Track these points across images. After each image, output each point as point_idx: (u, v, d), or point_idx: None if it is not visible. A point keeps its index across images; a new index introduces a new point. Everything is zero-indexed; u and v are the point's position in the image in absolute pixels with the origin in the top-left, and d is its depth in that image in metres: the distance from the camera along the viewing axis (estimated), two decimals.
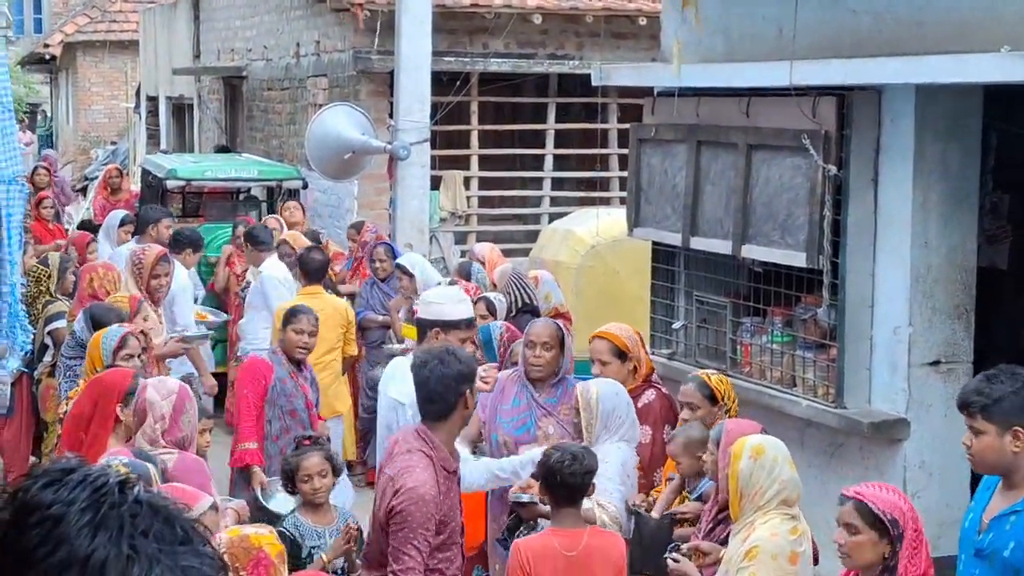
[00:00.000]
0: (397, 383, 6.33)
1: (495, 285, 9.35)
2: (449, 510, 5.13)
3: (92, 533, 1.59)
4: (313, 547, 5.76)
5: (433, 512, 4.98)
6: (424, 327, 6.35)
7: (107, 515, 1.61)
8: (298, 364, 7.61)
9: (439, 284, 9.25)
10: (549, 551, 5.22)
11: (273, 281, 10.61)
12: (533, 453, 5.89)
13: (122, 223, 12.04)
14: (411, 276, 9.93)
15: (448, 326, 6.29)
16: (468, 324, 6.51)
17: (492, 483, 6.12)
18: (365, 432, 10.77)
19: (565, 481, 5.24)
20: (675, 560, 5.12)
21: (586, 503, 5.73)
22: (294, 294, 10.00)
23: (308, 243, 11.36)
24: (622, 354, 6.58)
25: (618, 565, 5.31)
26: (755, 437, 5.08)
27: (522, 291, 8.77)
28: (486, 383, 6.45)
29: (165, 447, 5.48)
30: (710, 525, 5.43)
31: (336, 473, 6.03)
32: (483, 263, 9.88)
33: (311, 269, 9.95)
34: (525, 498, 5.88)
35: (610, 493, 5.73)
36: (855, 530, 4.34)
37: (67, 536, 1.59)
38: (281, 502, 6.65)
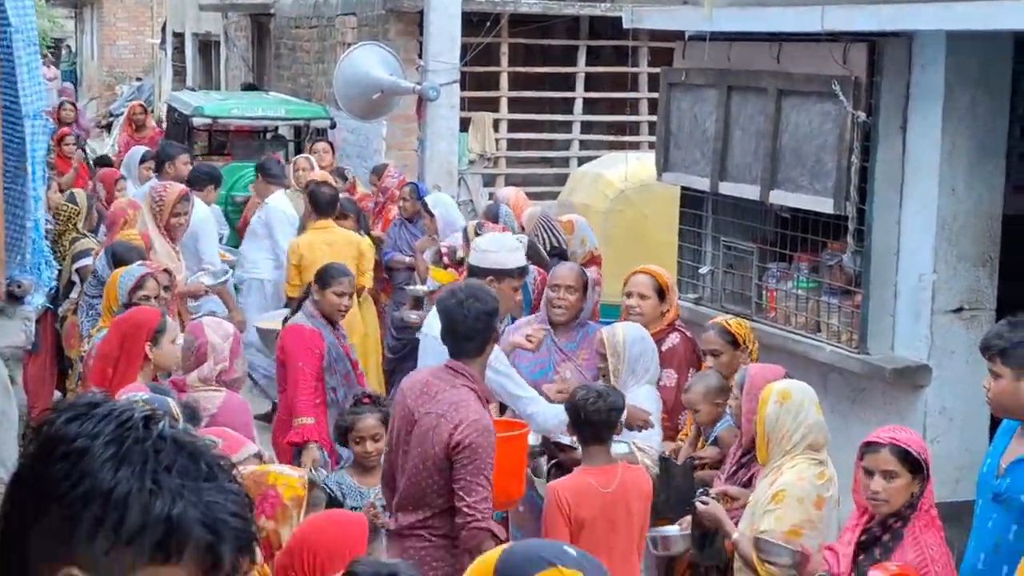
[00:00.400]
0: None
1: (523, 228, 9.38)
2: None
3: (115, 467, 1.60)
4: (354, 507, 5.52)
5: (493, 442, 5.01)
6: (478, 275, 6.26)
7: (131, 449, 1.62)
8: (334, 325, 7.41)
9: (465, 228, 9.30)
10: (586, 489, 5.30)
11: (279, 213, 10.64)
12: None
13: (143, 160, 12.08)
14: (432, 216, 9.99)
15: (502, 275, 6.26)
16: (521, 272, 6.51)
17: (563, 426, 5.98)
18: (390, 372, 10.86)
19: (589, 418, 5.32)
20: (704, 503, 5.21)
21: (624, 448, 5.82)
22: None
23: (338, 181, 11.41)
24: (661, 292, 6.64)
25: (648, 496, 5.42)
26: (782, 382, 5.14)
27: (551, 234, 8.80)
28: (531, 342, 6.49)
29: (215, 387, 5.58)
30: (733, 468, 5.51)
31: None
32: (508, 206, 9.91)
33: (322, 203, 9.99)
34: (566, 440, 5.94)
35: (650, 437, 5.81)
36: (893, 475, 4.39)
37: (90, 470, 1.60)
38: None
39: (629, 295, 6.65)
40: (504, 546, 2.10)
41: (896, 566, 4.29)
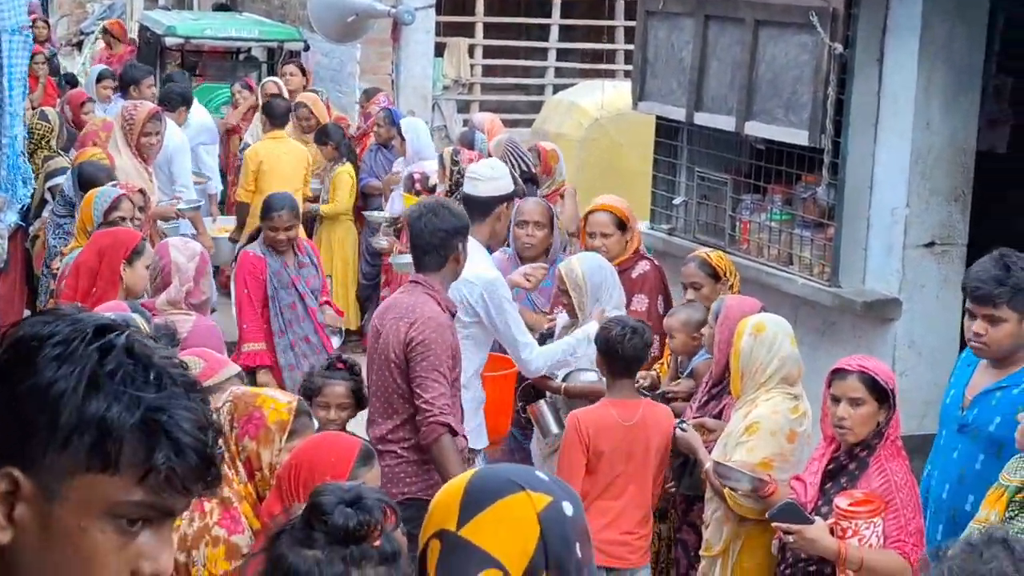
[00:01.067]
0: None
1: (491, 155, 9.37)
2: (455, 351, 5.27)
3: (57, 366, 1.59)
4: None
5: (450, 341, 5.14)
6: (488, 206, 6.23)
7: (75, 350, 1.61)
8: (290, 251, 7.43)
9: (441, 154, 9.26)
10: (608, 421, 5.33)
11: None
12: (589, 328, 5.93)
13: (99, 79, 11.94)
14: (403, 139, 9.96)
15: (510, 198, 6.32)
16: (511, 198, 6.53)
17: (559, 366, 6.04)
18: (365, 299, 10.88)
19: (625, 354, 5.34)
20: (682, 430, 5.25)
21: (593, 376, 5.85)
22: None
23: (325, 108, 11.33)
24: (623, 225, 6.64)
25: (668, 434, 5.41)
26: (757, 315, 5.17)
27: (519, 160, 8.78)
28: (529, 280, 6.49)
29: (185, 311, 5.56)
30: (704, 398, 5.55)
31: (360, 406, 5.53)
32: (483, 132, 9.88)
33: (276, 114, 10.38)
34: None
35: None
36: (860, 403, 4.45)
37: (36, 367, 1.60)
38: None
39: (592, 235, 6.64)
40: (475, 469, 2.11)
41: (862, 494, 4.35)
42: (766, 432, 4.88)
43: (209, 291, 5.79)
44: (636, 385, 5.87)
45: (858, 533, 4.29)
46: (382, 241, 9.94)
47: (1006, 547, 2.53)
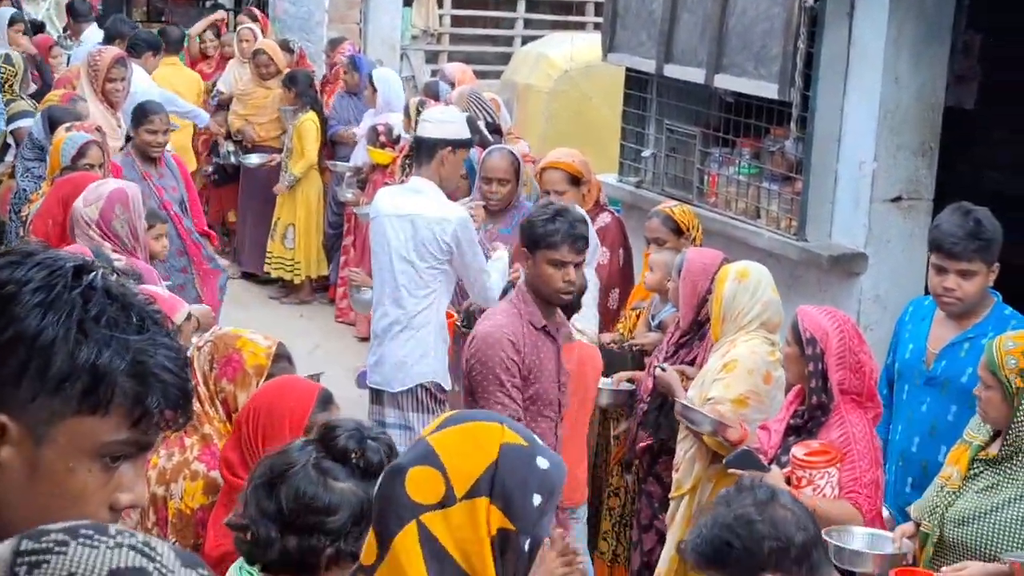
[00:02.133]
0: None
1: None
2: (536, 367, 4.84)
3: (42, 313, 1.59)
4: None
5: (512, 356, 4.73)
6: (431, 147, 6.20)
7: (59, 296, 1.60)
8: (154, 162, 7.54)
9: (407, 104, 9.22)
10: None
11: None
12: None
13: (11, 22, 11.80)
14: (375, 89, 9.92)
15: (457, 144, 6.24)
16: (469, 145, 6.57)
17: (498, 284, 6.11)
18: (330, 249, 10.86)
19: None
20: (662, 369, 5.30)
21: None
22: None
23: (285, 54, 11.27)
24: (576, 180, 6.66)
25: (600, 371, 5.52)
26: (740, 262, 5.30)
27: (482, 111, 8.76)
28: (475, 220, 6.51)
29: (117, 255, 5.52)
30: (670, 350, 5.58)
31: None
32: (453, 84, 9.84)
33: (171, 40, 10.98)
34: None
35: (588, 319, 5.87)
36: (788, 344, 4.57)
37: (17, 315, 1.59)
38: None
39: (547, 193, 6.67)
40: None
41: (819, 444, 4.40)
42: (743, 370, 4.93)
43: (124, 233, 5.72)
44: (609, 344, 5.92)
45: (813, 483, 4.34)
46: (347, 192, 9.92)
47: (752, 494, 2.90)
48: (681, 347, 5.53)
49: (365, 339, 9.69)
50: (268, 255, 11.01)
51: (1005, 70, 8.50)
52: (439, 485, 1.94)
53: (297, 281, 10.99)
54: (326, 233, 10.83)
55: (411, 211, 6.07)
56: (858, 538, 4.25)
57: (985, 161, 8.93)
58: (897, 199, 6.86)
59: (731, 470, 4.55)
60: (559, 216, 4.82)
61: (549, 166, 6.73)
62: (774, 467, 4.45)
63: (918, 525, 4.30)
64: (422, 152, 6.27)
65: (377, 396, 6.29)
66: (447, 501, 1.94)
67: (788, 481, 4.37)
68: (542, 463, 2.02)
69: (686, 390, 5.27)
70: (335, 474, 2.73)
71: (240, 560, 3.18)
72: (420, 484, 1.95)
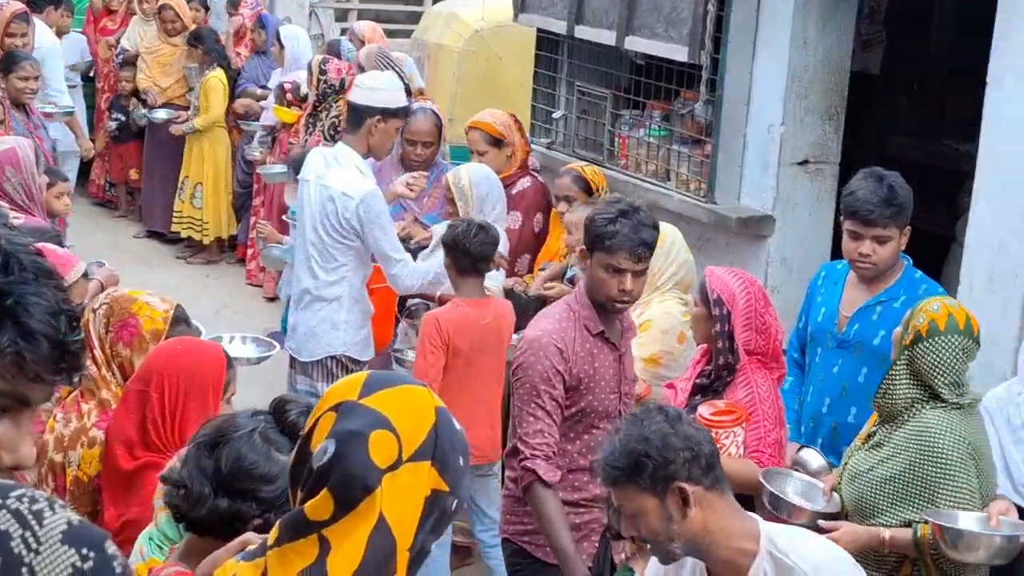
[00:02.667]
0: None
1: (361, 67, 9.27)
2: (590, 377, 4.36)
3: None
4: None
5: (557, 365, 4.26)
6: (363, 113, 6.05)
7: None
8: (25, 109, 7.51)
9: (309, 63, 9.14)
10: (465, 320, 5.40)
11: None
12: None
13: None
14: (283, 47, 9.82)
15: (389, 114, 6.10)
16: (405, 113, 6.39)
17: (435, 283, 6.03)
18: (239, 208, 10.77)
19: (472, 251, 5.41)
20: None
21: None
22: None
23: (192, 11, 11.11)
24: (498, 141, 6.64)
25: (512, 326, 5.54)
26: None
27: (391, 69, 8.71)
28: (412, 190, 6.46)
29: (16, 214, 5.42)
30: None
31: None
32: (363, 42, 9.77)
33: None
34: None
35: (494, 277, 5.88)
36: (695, 304, 4.63)
37: None
38: None
39: (472, 153, 6.68)
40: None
41: (724, 404, 4.46)
42: (658, 330, 4.98)
43: (13, 191, 5.62)
44: (519, 288, 5.93)
45: (719, 441, 4.38)
46: (255, 151, 9.83)
47: (662, 412, 3.09)
48: None
49: (273, 299, 9.64)
50: (177, 214, 10.89)
51: (909, 36, 8.63)
52: (394, 448, 1.94)
53: (206, 241, 10.88)
54: (235, 192, 10.73)
55: (326, 180, 5.97)
56: (795, 485, 4.37)
57: (889, 126, 9.08)
58: (804, 162, 6.94)
59: None
60: (623, 217, 4.27)
61: (471, 126, 6.72)
62: None
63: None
64: (350, 117, 6.16)
65: (292, 361, 6.26)
66: (396, 464, 1.94)
67: None
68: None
69: None
70: (279, 446, 2.72)
71: (150, 528, 3.16)
72: (381, 448, 1.94)
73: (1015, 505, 4.27)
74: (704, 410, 4.45)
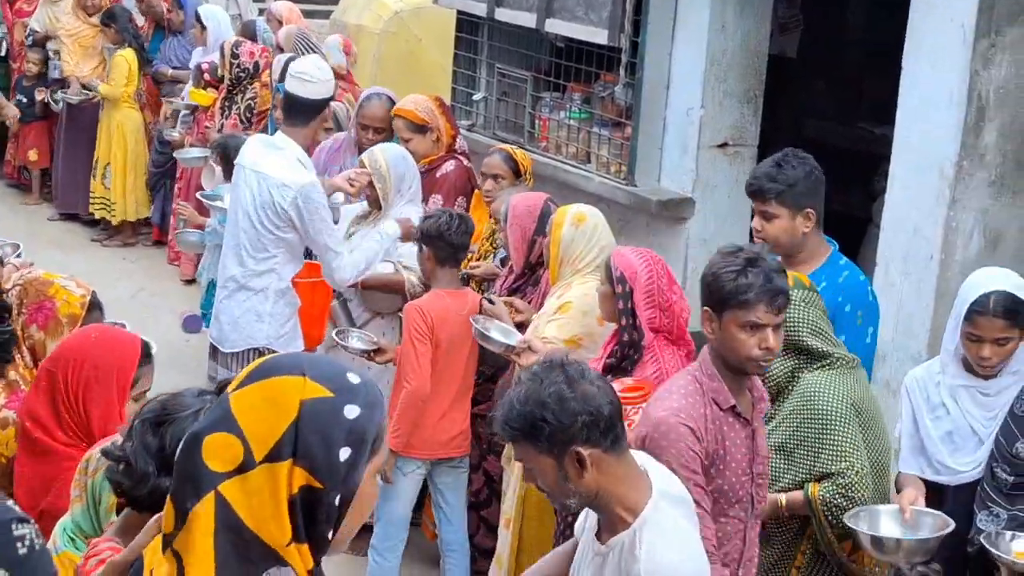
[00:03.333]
0: None
1: (280, 47, 9.20)
2: (720, 459, 3.76)
3: None
4: None
5: (693, 446, 3.70)
6: (307, 107, 5.98)
7: None
8: None
9: (222, 45, 9.05)
10: (447, 311, 5.38)
11: None
12: (388, 228, 5.96)
13: None
14: (204, 27, 9.70)
15: (326, 104, 6.13)
16: (330, 100, 6.34)
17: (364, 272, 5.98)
18: (153, 188, 10.66)
19: (454, 242, 5.41)
20: (490, 302, 5.32)
21: (389, 267, 5.89)
22: None
23: None
24: (421, 127, 6.62)
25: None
26: (577, 206, 5.33)
27: (310, 52, 8.66)
28: (352, 185, 6.41)
29: None
30: (504, 294, 5.61)
31: None
32: (280, 23, 9.69)
33: None
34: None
35: (411, 255, 5.84)
36: (601, 282, 4.68)
37: None
38: None
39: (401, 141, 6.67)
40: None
41: (632, 380, 4.50)
42: (578, 312, 4.99)
43: None
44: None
45: (629, 418, 4.43)
46: (173, 132, 9.73)
47: (563, 370, 3.03)
48: (514, 292, 5.57)
49: (190, 281, 9.54)
50: (91, 195, 10.75)
51: (826, 19, 8.72)
52: (237, 451, 1.87)
53: (115, 222, 10.74)
54: (149, 172, 10.62)
55: (262, 168, 5.87)
56: None
57: (807, 108, 9.17)
58: (723, 145, 7.00)
59: None
60: (751, 266, 3.73)
61: (394, 113, 6.68)
62: None
63: None
64: (300, 111, 6.01)
65: (213, 350, 6.18)
66: (246, 466, 1.87)
67: None
68: (351, 411, 1.93)
69: (516, 322, 5.30)
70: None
71: (65, 519, 3.14)
72: (217, 452, 1.87)
73: (930, 481, 4.36)
74: (613, 387, 4.48)
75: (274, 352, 5.77)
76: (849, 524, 4.05)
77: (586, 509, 3.27)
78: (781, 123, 7.91)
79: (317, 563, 1.95)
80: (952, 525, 4.08)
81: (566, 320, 5.04)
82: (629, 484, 3.13)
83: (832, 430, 4.10)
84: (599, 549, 3.17)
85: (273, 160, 5.87)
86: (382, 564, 5.57)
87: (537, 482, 3.15)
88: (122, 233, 10.83)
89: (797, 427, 4.14)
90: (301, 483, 1.88)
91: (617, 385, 4.44)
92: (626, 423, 4.36)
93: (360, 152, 6.67)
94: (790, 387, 4.20)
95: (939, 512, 4.17)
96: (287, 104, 6.09)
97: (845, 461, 4.09)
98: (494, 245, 6.15)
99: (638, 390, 4.46)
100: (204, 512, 1.86)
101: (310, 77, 6.06)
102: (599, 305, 4.73)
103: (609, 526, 3.15)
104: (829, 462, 4.10)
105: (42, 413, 3.57)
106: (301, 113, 6.00)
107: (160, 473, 2.71)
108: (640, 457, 3.27)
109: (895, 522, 4.12)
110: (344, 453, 1.90)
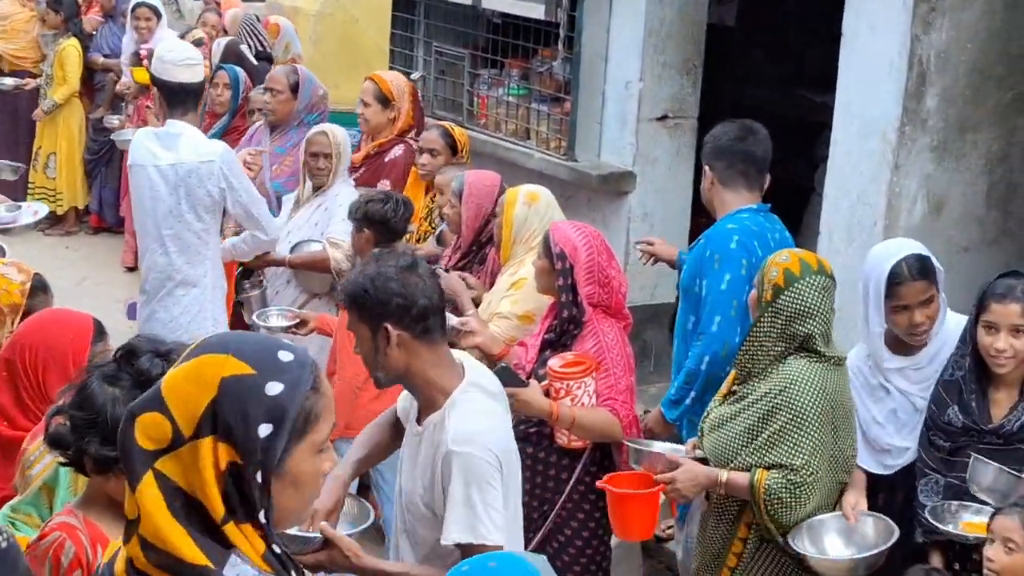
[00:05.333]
0: None
1: (225, 30, 9.10)
2: None
3: None
4: None
5: None
6: (175, 91, 5.77)
7: None
8: None
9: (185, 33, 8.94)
10: None
11: None
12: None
13: None
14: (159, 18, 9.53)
15: (200, 93, 6.00)
16: (202, 88, 6.18)
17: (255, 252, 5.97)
18: (90, 174, 10.55)
19: (397, 226, 5.39)
20: (445, 271, 5.28)
21: (319, 246, 5.88)
22: None
23: None
24: (386, 100, 6.59)
25: None
26: (527, 186, 5.34)
27: (255, 38, 8.59)
28: (251, 168, 6.34)
29: None
30: (445, 269, 5.56)
31: None
32: (219, 3, 9.59)
33: None
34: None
35: (344, 232, 5.79)
36: (539, 257, 4.65)
37: None
38: None
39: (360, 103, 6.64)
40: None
41: (573, 355, 4.47)
42: (531, 288, 4.95)
43: None
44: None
45: (571, 393, 4.42)
46: (114, 119, 9.63)
47: (402, 259, 3.45)
48: (460, 270, 5.52)
49: (132, 269, 9.43)
50: (30, 185, 10.58)
51: None
52: (167, 429, 1.91)
53: (60, 212, 10.60)
54: (85, 160, 10.49)
55: (173, 160, 5.68)
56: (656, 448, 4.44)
57: (746, 77, 9.12)
58: (663, 118, 6.95)
59: None
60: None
61: (370, 77, 6.71)
62: (532, 381, 4.49)
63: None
64: (173, 98, 5.80)
65: None
66: (176, 444, 1.91)
67: (547, 393, 4.42)
68: (273, 388, 1.94)
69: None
70: (117, 379, 2.80)
71: (6, 507, 3.16)
72: (149, 430, 1.92)
73: (866, 469, 4.31)
74: (554, 363, 4.46)
75: None
76: (795, 546, 4.01)
77: (408, 395, 3.58)
78: (721, 94, 7.86)
79: (268, 546, 1.97)
80: (896, 532, 4.03)
81: (520, 296, 5.03)
82: (440, 371, 3.42)
83: (800, 425, 3.98)
84: (416, 430, 3.48)
85: (178, 147, 5.69)
86: None
87: (357, 349, 3.48)
88: (64, 222, 10.71)
89: (767, 412, 4.03)
90: (227, 459, 1.91)
91: (558, 360, 4.44)
92: (569, 398, 4.36)
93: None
94: (769, 370, 4.09)
95: (883, 516, 4.12)
96: (175, 92, 5.79)
97: (803, 459, 3.98)
98: (432, 225, 6.10)
99: (579, 364, 4.45)
100: (148, 489, 1.91)
101: (193, 60, 5.88)
102: (535, 278, 4.69)
103: (426, 409, 3.46)
104: (787, 455, 3.97)
105: (6, 403, 3.56)
106: (190, 97, 5.81)
107: (93, 443, 2.75)
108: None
109: (838, 534, 4.09)
110: (264, 429, 1.92)
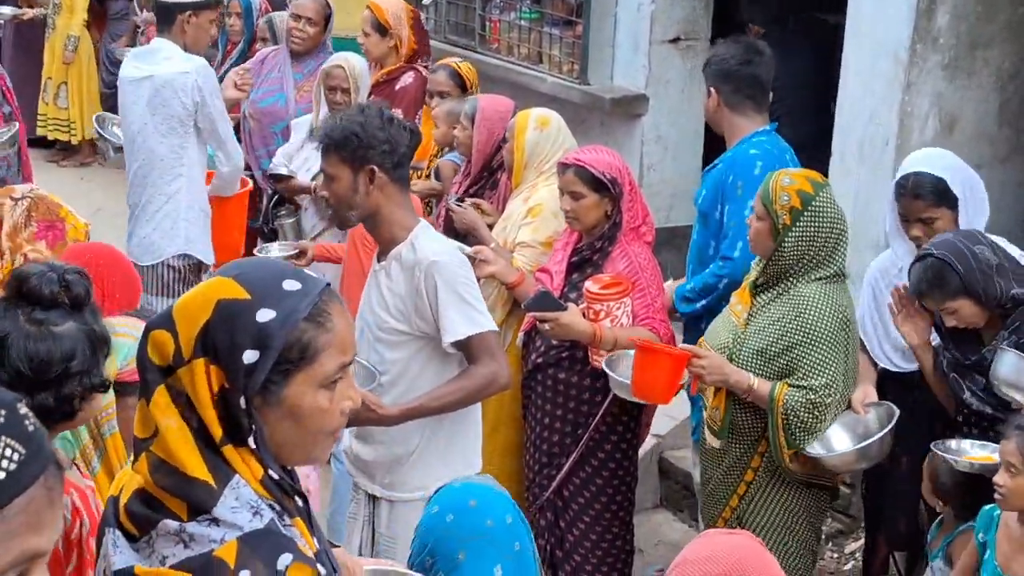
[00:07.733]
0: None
1: None
2: None
3: None
4: None
5: None
6: (171, 9, 5.77)
7: None
8: None
9: None
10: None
11: None
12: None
13: None
14: None
15: (199, 7, 5.82)
16: (218, 3, 6.22)
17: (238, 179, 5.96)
18: (108, 109, 10.52)
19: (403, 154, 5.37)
20: (460, 206, 5.28)
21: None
22: None
23: None
24: (383, 28, 6.55)
25: None
26: (538, 110, 5.28)
27: None
28: (243, 90, 6.32)
29: None
30: (458, 198, 5.58)
31: None
32: None
33: None
34: (283, 170, 5.95)
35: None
36: (579, 196, 4.55)
37: None
38: None
39: (362, 32, 6.62)
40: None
41: (609, 277, 4.49)
42: (549, 213, 4.97)
43: None
44: None
45: (611, 314, 4.45)
46: (126, 52, 9.60)
47: (383, 110, 3.84)
48: (471, 196, 5.53)
49: None
50: (41, 117, 10.58)
51: None
52: (170, 348, 1.93)
53: (75, 142, 10.61)
54: (102, 93, 10.47)
55: (148, 72, 5.71)
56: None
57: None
58: (675, 40, 6.95)
59: (530, 313, 4.61)
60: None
61: (368, 4, 6.64)
62: (570, 304, 4.53)
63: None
64: (161, 16, 5.84)
65: None
66: (178, 363, 1.92)
67: (584, 316, 4.47)
68: (264, 315, 1.91)
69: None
70: (52, 320, 2.61)
71: None
72: (158, 347, 1.93)
73: (885, 370, 4.38)
74: (592, 286, 4.47)
75: (193, 258, 5.74)
76: (809, 452, 4.09)
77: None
78: (732, 16, 7.84)
79: (266, 471, 1.95)
80: (896, 413, 4.11)
81: (539, 223, 5.03)
82: (404, 212, 3.86)
83: (818, 346, 4.06)
84: (377, 267, 3.92)
85: (156, 61, 5.74)
86: (341, 469, 5.55)
87: (330, 193, 3.85)
88: (80, 153, 10.71)
89: (782, 334, 4.10)
90: (220, 382, 1.91)
91: (595, 283, 4.46)
92: (609, 319, 4.40)
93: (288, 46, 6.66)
94: (780, 288, 4.15)
95: (883, 402, 4.20)
96: (157, 10, 5.91)
97: (823, 379, 4.07)
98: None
99: (616, 286, 4.47)
100: (162, 399, 1.93)
101: None
102: (581, 217, 4.62)
103: (387, 246, 3.88)
104: (808, 375, 4.07)
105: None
106: (166, 19, 5.81)
107: (35, 394, 2.58)
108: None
109: (843, 428, 4.17)
110: (250, 356, 1.90)
